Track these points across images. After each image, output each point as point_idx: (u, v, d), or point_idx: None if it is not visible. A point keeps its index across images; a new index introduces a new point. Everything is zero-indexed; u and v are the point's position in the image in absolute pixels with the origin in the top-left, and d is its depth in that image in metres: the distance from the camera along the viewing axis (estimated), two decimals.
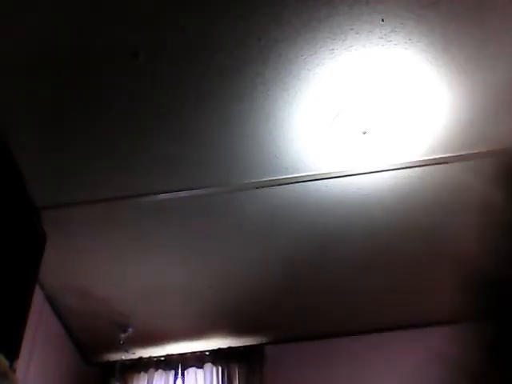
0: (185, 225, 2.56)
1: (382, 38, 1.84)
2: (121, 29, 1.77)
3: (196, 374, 3.32)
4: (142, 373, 3.35)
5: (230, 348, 3.37)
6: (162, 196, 2.39)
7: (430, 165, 2.33)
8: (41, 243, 2.37)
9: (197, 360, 3.36)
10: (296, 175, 2.35)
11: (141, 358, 3.39)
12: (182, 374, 3.34)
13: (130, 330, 3.22)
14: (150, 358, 3.40)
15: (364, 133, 2.18)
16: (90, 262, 2.74)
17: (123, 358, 3.33)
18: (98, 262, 2.75)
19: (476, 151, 2.28)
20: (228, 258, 2.78)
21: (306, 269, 2.88)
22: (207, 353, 3.37)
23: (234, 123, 2.11)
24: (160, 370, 3.35)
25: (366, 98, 2.05)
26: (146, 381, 3.31)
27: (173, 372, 3.35)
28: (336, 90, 2.01)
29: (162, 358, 3.39)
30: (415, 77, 1.98)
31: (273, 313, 3.22)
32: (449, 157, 2.30)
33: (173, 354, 3.40)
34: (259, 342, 3.43)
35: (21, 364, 2.37)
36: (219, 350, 3.37)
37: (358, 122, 2.14)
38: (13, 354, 1.97)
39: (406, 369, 3.27)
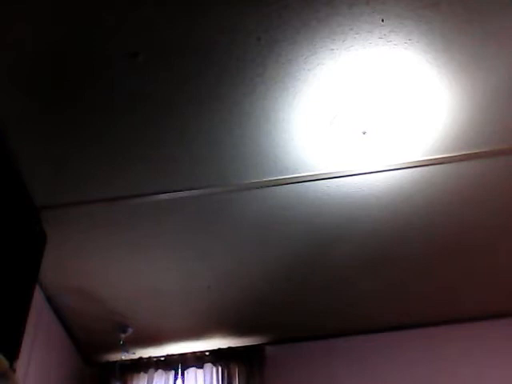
0: (185, 225, 2.56)
1: (381, 38, 1.84)
2: (121, 29, 1.77)
3: (196, 374, 3.33)
4: (142, 373, 3.35)
5: (229, 348, 3.38)
6: (162, 196, 2.39)
7: (430, 165, 2.33)
8: (41, 243, 2.38)
9: (197, 360, 3.37)
10: (296, 175, 2.35)
11: (141, 358, 3.40)
12: (182, 374, 3.34)
13: (130, 330, 3.22)
14: (149, 358, 3.40)
15: (364, 133, 2.18)
16: (90, 262, 2.74)
17: (123, 358, 3.33)
18: (98, 262, 2.75)
19: (476, 151, 2.28)
20: (228, 257, 2.78)
21: (306, 269, 2.89)
22: (207, 353, 3.38)
23: (234, 123, 2.11)
24: (160, 370, 3.35)
25: (366, 98, 2.05)
26: (146, 381, 3.31)
27: (173, 372, 3.35)
28: (336, 90, 2.01)
29: (162, 358, 3.39)
30: (415, 77, 1.98)
31: (273, 313, 3.22)
32: (449, 157, 2.30)
33: (173, 354, 3.41)
34: (259, 342, 3.43)
35: (21, 364, 2.37)
36: (219, 349, 3.37)
37: (357, 122, 2.14)
38: (13, 354, 1.97)
39: (406, 369, 3.28)
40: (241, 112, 2.07)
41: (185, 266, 2.82)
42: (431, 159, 2.31)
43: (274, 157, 2.26)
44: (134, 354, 3.39)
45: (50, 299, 2.94)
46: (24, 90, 1.94)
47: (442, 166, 2.34)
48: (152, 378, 3.32)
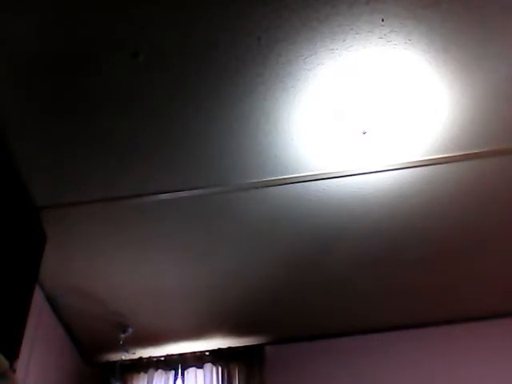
0: (185, 225, 2.56)
1: (381, 38, 1.84)
2: (121, 29, 1.77)
3: (196, 373, 3.32)
4: (142, 373, 3.35)
5: (229, 348, 3.37)
6: (162, 196, 2.39)
7: (430, 165, 2.33)
8: (41, 243, 2.38)
9: (197, 360, 3.36)
10: (296, 175, 2.35)
11: (141, 358, 3.39)
12: (182, 374, 3.34)
13: (130, 330, 3.22)
14: (149, 358, 3.40)
15: (364, 133, 2.18)
16: (90, 262, 2.74)
17: (123, 358, 3.33)
18: (98, 262, 2.75)
19: (477, 151, 2.28)
20: (228, 257, 2.78)
21: (306, 269, 2.88)
22: (207, 353, 3.37)
23: (234, 123, 2.11)
24: (160, 370, 3.35)
25: (366, 97, 2.05)
26: (146, 381, 3.31)
27: (173, 372, 3.35)
28: (336, 90, 2.01)
29: (162, 358, 3.39)
30: (415, 77, 1.98)
31: (273, 313, 3.22)
32: (449, 157, 2.30)
33: (173, 354, 3.40)
34: (259, 342, 3.43)
35: (21, 364, 2.37)
36: (219, 349, 3.37)
37: (357, 121, 2.14)
38: (13, 354, 1.97)
39: (406, 369, 3.28)
40: (241, 112, 2.07)
41: (185, 266, 2.82)
42: (431, 159, 2.31)
43: (274, 157, 2.26)
44: (134, 353, 3.39)
45: (49, 299, 2.94)
46: (24, 90, 1.94)
47: (441, 165, 2.34)
48: (152, 378, 3.31)
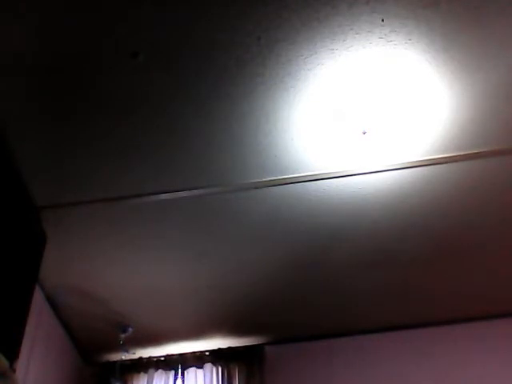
0: (185, 225, 2.56)
1: (381, 38, 1.84)
2: (121, 29, 1.77)
3: (196, 373, 3.32)
4: (142, 373, 3.35)
5: (229, 348, 3.37)
6: (162, 196, 2.39)
7: (430, 165, 2.33)
8: (41, 243, 2.38)
9: (197, 360, 3.36)
10: (296, 175, 2.35)
11: (141, 358, 3.39)
12: (182, 374, 3.34)
13: (130, 330, 3.22)
14: (149, 358, 3.40)
15: (364, 133, 2.18)
16: (90, 262, 2.74)
17: (123, 358, 3.33)
18: (98, 262, 2.75)
19: (476, 151, 2.28)
20: (228, 257, 2.78)
21: (306, 269, 2.88)
22: (207, 353, 3.37)
23: (234, 123, 2.11)
24: (160, 370, 3.35)
25: (366, 97, 2.05)
26: (146, 381, 3.31)
27: (173, 372, 3.35)
28: (336, 90, 2.01)
29: (162, 358, 3.39)
30: (415, 77, 1.98)
31: (273, 313, 3.22)
32: (449, 157, 2.30)
33: (173, 354, 3.40)
34: (259, 342, 3.43)
35: (21, 364, 2.37)
36: (219, 349, 3.37)
37: (357, 121, 2.14)
38: (13, 354, 1.97)
39: (406, 369, 3.28)
40: (241, 112, 2.07)
41: (185, 266, 2.82)
42: (431, 159, 2.31)
43: (274, 157, 2.26)
44: (134, 353, 3.39)
45: (49, 299, 2.94)
46: (24, 91, 1.94)
47: (441, 165, 2.34)
48: (152, 378, 3.31)
